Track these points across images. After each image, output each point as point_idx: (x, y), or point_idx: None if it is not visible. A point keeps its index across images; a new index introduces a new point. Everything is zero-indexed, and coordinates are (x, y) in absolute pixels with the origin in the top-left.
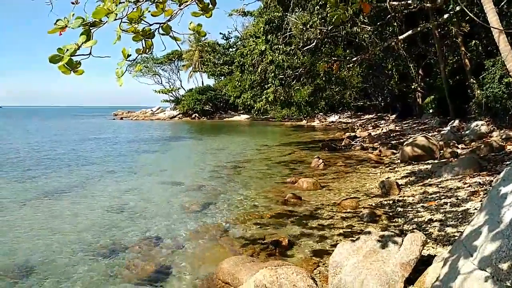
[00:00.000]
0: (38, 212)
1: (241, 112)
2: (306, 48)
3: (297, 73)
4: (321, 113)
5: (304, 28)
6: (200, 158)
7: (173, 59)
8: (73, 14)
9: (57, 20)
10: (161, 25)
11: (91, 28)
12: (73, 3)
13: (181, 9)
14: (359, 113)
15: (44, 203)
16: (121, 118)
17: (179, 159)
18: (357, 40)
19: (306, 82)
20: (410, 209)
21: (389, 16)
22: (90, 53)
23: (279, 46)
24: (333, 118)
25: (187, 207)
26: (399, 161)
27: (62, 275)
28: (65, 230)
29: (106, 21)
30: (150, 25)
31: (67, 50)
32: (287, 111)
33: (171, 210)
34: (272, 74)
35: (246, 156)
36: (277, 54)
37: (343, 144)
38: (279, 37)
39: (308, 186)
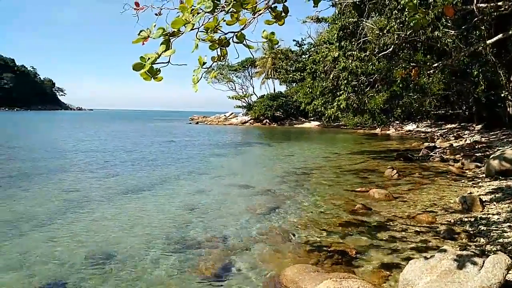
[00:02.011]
0: (119, 207)
1: (312, 119)
2: (382, 54)
3: (371, 80)
4: (396, 122)
5: (380, 33)
6: (270, 163)
7: (247, 66)
8: (155, 25)
9: (141, 31)
10: (236, 33)
11: (170, 37)
12: (156, 14)
13: (254, 17)
14: (439, 122)
15: (125, 200)
16: (197, 123)
17: (250, 163)
18: (438, 45)
19: (381, 89)
20: (494, 228)
21: (476, 19)
22: (168, 61)
23: (353, 52)
24: (410, 127)
25: (255, 210)
26: (483, 175)
27: (136, 266)
28: (141, 226)
29: (184, 31)
30: (225, 34)
31: (149, 58)
32: (360, 119)
33: (240, 211)
34: (345, 81)
35: (315, 163)
36: (350, 61)
37: (420, 154)
38: (353, 43)
39: (379, 197)
